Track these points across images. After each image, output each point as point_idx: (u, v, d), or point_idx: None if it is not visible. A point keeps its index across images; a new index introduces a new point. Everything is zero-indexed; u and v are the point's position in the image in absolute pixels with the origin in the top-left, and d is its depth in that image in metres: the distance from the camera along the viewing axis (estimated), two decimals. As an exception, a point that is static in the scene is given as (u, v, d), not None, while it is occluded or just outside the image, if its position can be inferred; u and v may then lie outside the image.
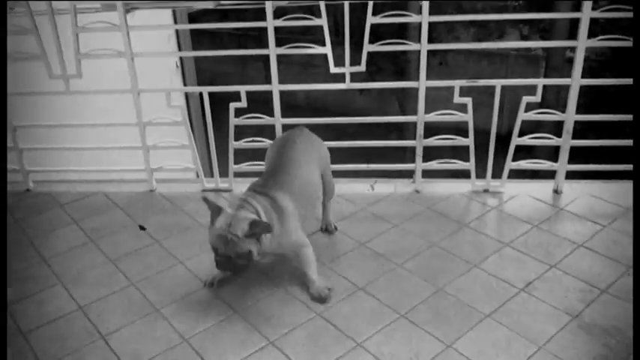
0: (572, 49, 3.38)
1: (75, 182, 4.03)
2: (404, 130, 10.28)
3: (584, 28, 3.22)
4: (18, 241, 3.39)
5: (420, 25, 3.36)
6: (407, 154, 8.51)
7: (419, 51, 3.42)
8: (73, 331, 2.68)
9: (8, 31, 3.54)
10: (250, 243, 2.64)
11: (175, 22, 5.93)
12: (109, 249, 3.28)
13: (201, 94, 3.74)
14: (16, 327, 2.72)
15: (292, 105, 4.21)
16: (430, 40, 3.40)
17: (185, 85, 6.65)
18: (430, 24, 3.34)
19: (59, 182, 4.06)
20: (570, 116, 3.46)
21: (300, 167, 3.00)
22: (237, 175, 3.83)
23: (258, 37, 12.26)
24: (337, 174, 3.71)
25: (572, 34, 3.24)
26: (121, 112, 3.88)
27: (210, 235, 2.72)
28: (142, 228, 3.00)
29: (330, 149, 3.79)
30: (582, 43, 3.26)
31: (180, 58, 6.66)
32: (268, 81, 3.63)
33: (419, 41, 3.41)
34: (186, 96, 6.23)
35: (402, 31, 9.03)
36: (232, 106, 3.61)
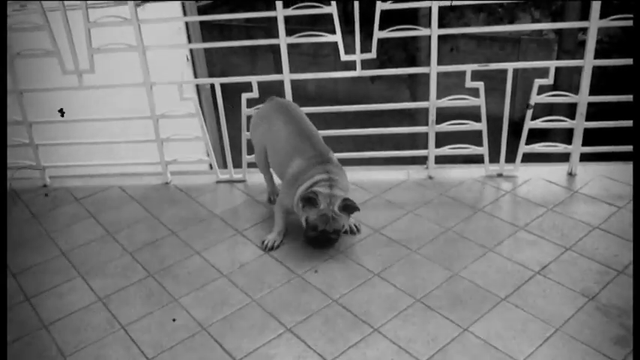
0: (585, 31, 3.35)
1: (90, 177, 4.06)
2: (415, 118, 10.26)
3: (596, 7, 3.19)
4: (37, 235, 3.44)
5: (430, 10, 3.35)
6: (419, 141, 8.51)
7: (429, 38, 3.40)
8: (94, 322, 2.73)
9: (21, 28, 3.59)
10: (344, 218, 2.98)
11: (185, 14, 5.94)
12: (126, 241, 3.32)
13: (212, 86, 3.75)
14: (37, 319, 2.77)
15: (303, 95, 4.21)
16: (441, 27, 3.38)
17: (196, 77, 6.66)
18: (440, 11, 3.32)
19: (75, 177, 4.10)
20: (583, 98, 3.44)
21: (311, 125, 3.32)
22: (251, 165, 3.85)
23: (267, 29, 12.26)
24: (350, 162, 3.73)
25: (585, 16, 3.21)
26: (134, 106, 3.91)
27: (314, 216, 2.93)
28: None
29: (342, 137, 3.81)
30: (594, 23, 3.23)
31: (191, 52, 6.67)
32: (279, 72, 3.64)
33: (429, 27, 3.39)
34: (198, 88, 6.26)
35: (413, 20, 9.00)
36: (244, 96, 3.62)
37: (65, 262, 3.18)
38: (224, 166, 4.01)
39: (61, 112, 3.34)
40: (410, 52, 11.75)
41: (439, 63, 3.47)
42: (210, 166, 4.00)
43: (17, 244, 3.37)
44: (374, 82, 13.00)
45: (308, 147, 3.16)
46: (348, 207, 2.96)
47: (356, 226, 3.24)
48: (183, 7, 5.99)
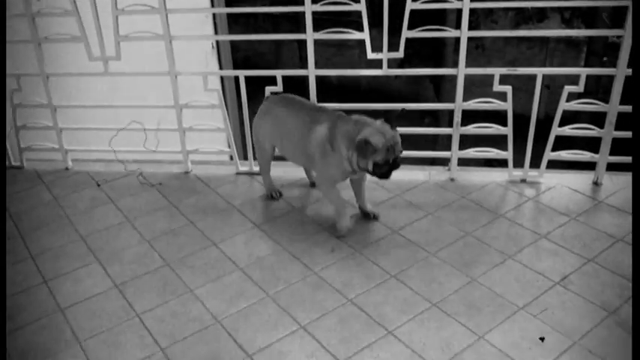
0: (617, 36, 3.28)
1: (112, 162, 4.09)
2: (437, 115, 10.17)
3: (631, 16, 3.11)
4: (57, 218, 3.47)
5: (458, 10, 3.30)
6: (440, 140, 8.43)
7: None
8: (109, 308, 2.75)
9: (50, 12, 3.60)
10: (396, 132, 2.98)
11: (212, 5, 5.93)
12: (145, 229, 3.33)
13: (237, 77, 3.74)
14: (54, 302, 2.80)
15: (325, 84, 4.17)
16: (468, 24, 3.33)
17: (221, 67, 6.66)
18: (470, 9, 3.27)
19: (97, 162, 4.13)
20: (614, 107, 3.37)
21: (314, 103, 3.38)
22: (273, 158, 3.83)
23: (294, 17, 12.19)
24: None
25: (617, 18, 3.13)
26: (157, 94, 3.91)
27: (380, 155, 2.89)
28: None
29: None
30: (629, 32, 3.15)
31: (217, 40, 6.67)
32: (303, 62, 3.60)
33: (457, 25, 3.34)
34: (222, 77, 6.25)
35: (440, 14, 8.89)
36: (268, 90, 3.60)
37: (83, 247, 3.20)
38: (244, 157, 4.00)
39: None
40: (436, 47, 11.63)
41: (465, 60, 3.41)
42: (231, 158, 4.00)
43: (37, 226, 3.40)
44: (397, 77, 12.92)
45: (319, 115, 3.15)
46: (392, 120, 2.97)
47: (374, 214, 3.29)
48: (211, -5, 5.99)
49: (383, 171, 2.97)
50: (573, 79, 3.36)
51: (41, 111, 3.94)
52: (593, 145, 3.58)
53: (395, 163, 2.97)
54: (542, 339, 2.44)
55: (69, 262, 3.08)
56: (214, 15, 6.20)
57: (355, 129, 2.95)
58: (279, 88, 3.59)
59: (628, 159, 3.50)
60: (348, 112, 3.22)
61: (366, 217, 3.31)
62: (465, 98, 3.51)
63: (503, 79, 3.40)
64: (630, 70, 3.26)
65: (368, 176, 3.21)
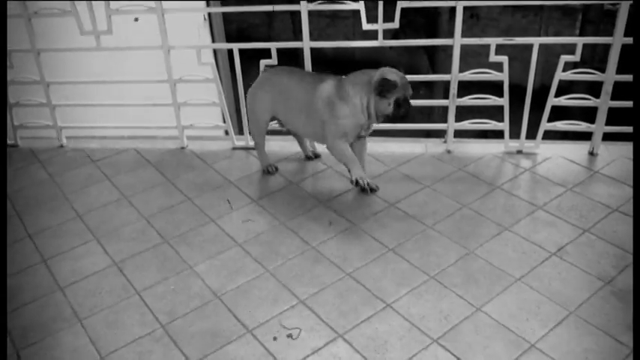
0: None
1: (107, 139, 4.06)
2: (432, 87, 10.11)
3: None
4: (53, 196, 3.46)
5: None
6: (435, 112, 8.40)
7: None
8: (109, 286, 2.76)
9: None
10: None
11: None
12: (142, 206, 3.33)
13: (230, 49, 3.70)
14: (53, 281, 2.80)
15: (320, 56, 4.13)
16: (465, -5, 3.29)
17: (213, 40, 6.57)
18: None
19: (91, 138, 4.10)
20: (610, 77, 3.35)
21: None
22: (267, 133, 3.81)
23: (286, -12, 12.03)
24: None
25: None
26: (151, 69, 3.87)
27: (401, 91, 3.03)
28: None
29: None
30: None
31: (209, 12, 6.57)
32: (297, 34, 3.57)
33: (453, -5, 3.31)
34: (215, 51, 6.17)
35: (434, -17, 8.77)
36: (263, 62, 3.57)
37: (81, 225, 3.20)
38: (240, 132, 3.98)
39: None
40: (430, 16, 11.51)
41: (459, 29, 3.38)
42: (227, 133, 3.98)
43: (34, 205, 3.39)
44: (391, 49, 12.80)
45: (322, 77, 3.22)
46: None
47: (370, 187, 3.29)
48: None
49: (405, 108, 3.07)
50: (569, 48, 3.34)
51: (34, 88, 3.89)
52: (587, 115, 3.58)
53: (408, 101, 3.08)
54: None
55: (67, 241, 3.08)
56: (206, -13, 6.09)
57: (366, 76, 3.07)
58: (274, 60, 3.55)
59: (624, 129, 3.52)
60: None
61: (364, 191, 3.30)
62: (460, 69, 3.48)
63: (498, 49, 3.37)
64: (627, 39, 3.24)
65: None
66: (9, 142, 4.05)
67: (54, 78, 3.89)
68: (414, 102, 3.62)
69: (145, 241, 3.04)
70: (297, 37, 3.60)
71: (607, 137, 3.57)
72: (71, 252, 3.00)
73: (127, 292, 2.71)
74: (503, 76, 3.45)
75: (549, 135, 3.61)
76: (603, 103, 3.44)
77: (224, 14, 6.45)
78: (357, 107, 3.07)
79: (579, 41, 3.31)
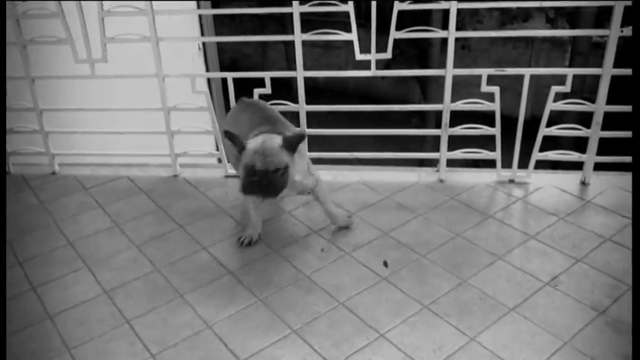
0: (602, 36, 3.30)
1: (99, 166, 4.05)
2: (424, 116, 10.19)
3: (617, 17, 3.14)
4: (44, 224, 3.43)
5: (445, 10, 3.31)
6: (427, 140, 8.45)
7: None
8: (99, 315, 2.72)
9: (36, 14, 3.57)
10: (286, 155, 2.69)
11: (199, 6, 5.89)
12: (134, 234, 3.30)
13: (224, 78, 3.73)
14: (42, 309, 2.76)
15: (312, 87, 4.16)
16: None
17: (208, 69, 6.63)
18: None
19: (84, 165, 4.09)
20: (600, 107, 3.39)
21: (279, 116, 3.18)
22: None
23: (279, 18, 12.16)
24: (358, 161, 3.70)
25: (601, 17, 3.16)
26: (145, 97, 3.88)
27: (246, 156, 2.68)
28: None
29: (351, 136, 3.77)
30: (615, 32, 3.18)
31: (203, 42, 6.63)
32: (290, 63, 3.61)
33: (443, 26, 3.35)
34: (209, 80, 6.22)
35: (425, 14, 8.90)
36: (256, 92, 3.59)
37: (72, 253, 3.17)
38: (233, 160, 3.98)
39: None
40: (422, 47, 11.67)
41: (450, 60, 3.43)
42: (220, 160, 3.98)
43: (24, 232, 3.36)
44: (383, 78, 12.95)
45: (268, 127, 2.90)
46: (288, 140, 2.68)
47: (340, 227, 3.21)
48: (197, -3, 5.94)
49: (250, 180, 2.66)
50: (559, 79, 3.38)
51: (27, 114, 3.89)
52: (578, 145, 3.61)
53: (264, 177, 2.63)
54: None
55: (57, 268, 3.04)
56: (200, 16, 6.16)
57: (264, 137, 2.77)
58: (267, 90, 3.58)
59: (615, 159, 3.54)
60: (336, 113, 3.21)
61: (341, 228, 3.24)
62: (452, 99, 3.52)
63: (490, 80, 3.41)
64: (616, 71, 3.29)
65: (353, 178, 3.20)
66: (0, 168, 4.04)
67: (47, 105, 3.90)
68: (405, 131, 3.65)
69: (136, 270, 3.01)
70: (291, 66, 3.63)
71: (598, 167, 3.60)
72: (61, 280, 2.96)
73: (117, 320, 2.67)
74: (495, 106, 3.48)
75: (541, 164, 3.63)
76: (594, 133, 3.48)
77: (218, 45, 6.51)
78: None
79: (569, 72, 3.35)
